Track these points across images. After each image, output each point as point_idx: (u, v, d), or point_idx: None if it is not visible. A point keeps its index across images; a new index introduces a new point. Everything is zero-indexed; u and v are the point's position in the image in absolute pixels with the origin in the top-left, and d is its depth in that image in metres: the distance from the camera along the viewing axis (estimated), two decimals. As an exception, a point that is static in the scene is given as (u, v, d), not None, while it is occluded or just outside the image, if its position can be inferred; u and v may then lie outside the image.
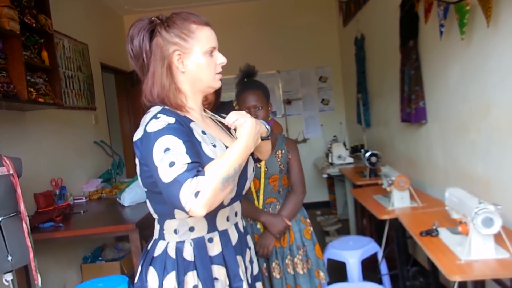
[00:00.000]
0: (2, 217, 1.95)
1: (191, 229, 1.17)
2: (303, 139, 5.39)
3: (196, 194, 0.95)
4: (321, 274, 1.99)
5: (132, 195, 2.89)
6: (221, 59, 1.20)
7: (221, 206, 1.18)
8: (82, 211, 2.84)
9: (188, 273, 1.15)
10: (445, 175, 2.62)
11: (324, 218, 4.97)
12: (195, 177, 0.97)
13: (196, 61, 1.16)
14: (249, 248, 1.35)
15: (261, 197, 1.96)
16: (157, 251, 1.19)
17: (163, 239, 1.20)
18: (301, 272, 1.93)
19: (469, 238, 1.61)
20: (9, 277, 2.00)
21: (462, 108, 2.32)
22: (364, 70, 4.36)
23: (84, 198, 3.32)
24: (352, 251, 2.53)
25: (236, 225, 1.28)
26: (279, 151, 1.98)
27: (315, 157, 5.43)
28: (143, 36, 1.16)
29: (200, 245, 1.17)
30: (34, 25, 2.67)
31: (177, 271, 1.15)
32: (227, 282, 1.19)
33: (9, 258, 1.94)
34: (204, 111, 1.30)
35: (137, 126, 1.17)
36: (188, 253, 1.17)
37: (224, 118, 1.31)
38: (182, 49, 1.15)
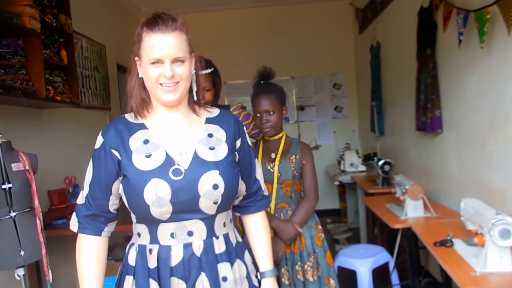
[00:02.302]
0: (17, 212, 1.97)
1: (138, 234, 1.18)
2: (315, 145, 5.37)
3: (69, 225, 1.18)
4: (332, 282, 1.94)
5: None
6: (165, 72, 1.07)
7: (158, 220, 1.10)
8: (94, 210, 2.86)
9: (127, 277, 1.17)
10: (460, 185, 2.58)
11: (334, 226, 4.92)
12: (76, 223, 1.16)
13: (143, 69, 1.12)
14: (212, 276, 1.14)
15: (272, 202, 1.93)
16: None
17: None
18: (311, 279, 1.89)
19: (485, 249, 1.57)
20: (21, 272, 2.01)
21: (479, 118, 2.29)
22: (379, 78, 4.33)
23: (96, 197, 3.33)
24: (363, 260, 2.50)
25: (187, 245, 1.12)
26: (293, 156, 1.94)
27: (327, 164, 5.40)
28: None
29: (142, 253, 1.16)
30: (54, 24, 2.71)
31: (120, 271, 1.21)
32: None
33: (22, 253, 1.96)
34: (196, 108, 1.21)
35: None
36: (132, 258, 1.18)
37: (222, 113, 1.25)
38: (138, 55, 1.14)
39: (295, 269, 1.90)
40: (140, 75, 1.15)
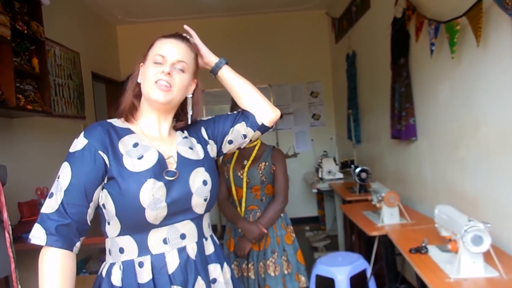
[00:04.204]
0: (-16, 226, 1.90)
1: (121, 250, 1.07)
2: (293, 153, 5.39)
3: (30, 239, 1.02)
4: (302, 278, 2.10)
5: (119, 206, 2.84)
6: (164, 67, 1.11)
7: (151, 225, 1.06)
8: (67, 222, 2.78)
9: None
10: (434, 192, 2.63)
11: (313, 234, 4.93)
12: (43, 234, 1.00)
13: (144, 69, 1.15)
14: (205, 279, 1.14)
15: (243, 204, 2.11)
16: (100, 272, 1.13)
17: (105, 260, 1.13)
18: (272, 274, 2.03)
19: (458, 256, 1.60)
20: (-12, 288, 1.93)
21: (451, 126, 2.34)
22: (355, 86, 4.40)
23: (69, 208, 3.25)
24: (341, 268, 2.51)
25: (181, 249, 1.10)
26: (262, 163, 2.09)
27: (305, 172, 5.42)
28: None
29: (129, 269, 1.06)
30: (25, 31, 2.65)
31: None
32: None
33: (-11, 268, 1.88)
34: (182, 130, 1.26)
35: None
36: (116, 278, 1.06)
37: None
38: (144, 60, 1.16)
39: (259, 265, 2.07)
40: (138, 80, 1.16)
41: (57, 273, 1.00)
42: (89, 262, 3.44)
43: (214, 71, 1.27)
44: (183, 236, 1.10)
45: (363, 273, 2.62)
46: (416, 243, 1.95)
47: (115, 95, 5.13)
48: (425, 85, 2.65)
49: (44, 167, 3.20)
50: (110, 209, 1.05)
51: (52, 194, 1.03)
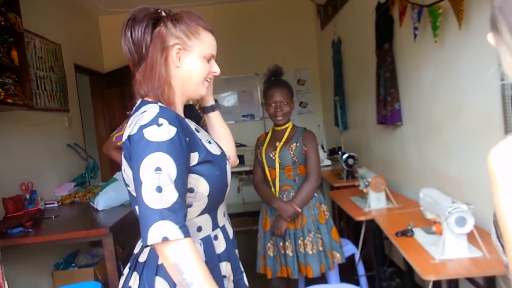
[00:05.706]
0: (-34, 223, 1.86)
1: (199, 229, 1.12)
2: (281, 141, 5.39)
3: (165, 238, 0.93)
4: (337, 255, 2.22)
5: (106, 199, 2.82)
6: (216, 69, 1.20)
7: (221, 200, 1.17)
8: (53, 216, 2.75)
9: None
10: (419, 176, 2.66)
11: (303, 221, 4.96)
12: (178, 229, 0.94)
13: (192, 61, 1.15)
14: None
15: (277, 185, 2.21)
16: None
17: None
18: (310, 252, 2.14)
19: (443, 237, 1.62)
20: (-27, 285, 1.91)
21: (435, 110, 2.36)
22: (341, 73, 4.40)
23: (56, 202, 3.22)
24: (330, 253, 2.53)
25: (227, 219, 1.27)
26: (293, 144, 2.18)
27: (294, 160, 5.44)
28: (147, 24, 1.13)
29: (208, 244, 1.13)
30: (2, 23, 2.58)
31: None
32: (231, 278, 1.19)
33: (-26, 265, 1.85)
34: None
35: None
36: (200, 254, 1.10)
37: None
38: (183, 45, 1.14)
39: (298, 243, 2.16)
40: (177, 64, 1.14)
41: (198, 258, 0.98)
42: (78, 255, 3.42)
43: (207, 110, 1.32)
44: (226, 210, 1.26)
45: (351, 258, 2.65)
46: (402, 227, 1.97)
47: (100, 87, 5.06)
48: (409, 70, 2.66)
49: (29, 162, 3.15)
50: (202, 191, 1.08)
51: (160, 188, 0.95)
